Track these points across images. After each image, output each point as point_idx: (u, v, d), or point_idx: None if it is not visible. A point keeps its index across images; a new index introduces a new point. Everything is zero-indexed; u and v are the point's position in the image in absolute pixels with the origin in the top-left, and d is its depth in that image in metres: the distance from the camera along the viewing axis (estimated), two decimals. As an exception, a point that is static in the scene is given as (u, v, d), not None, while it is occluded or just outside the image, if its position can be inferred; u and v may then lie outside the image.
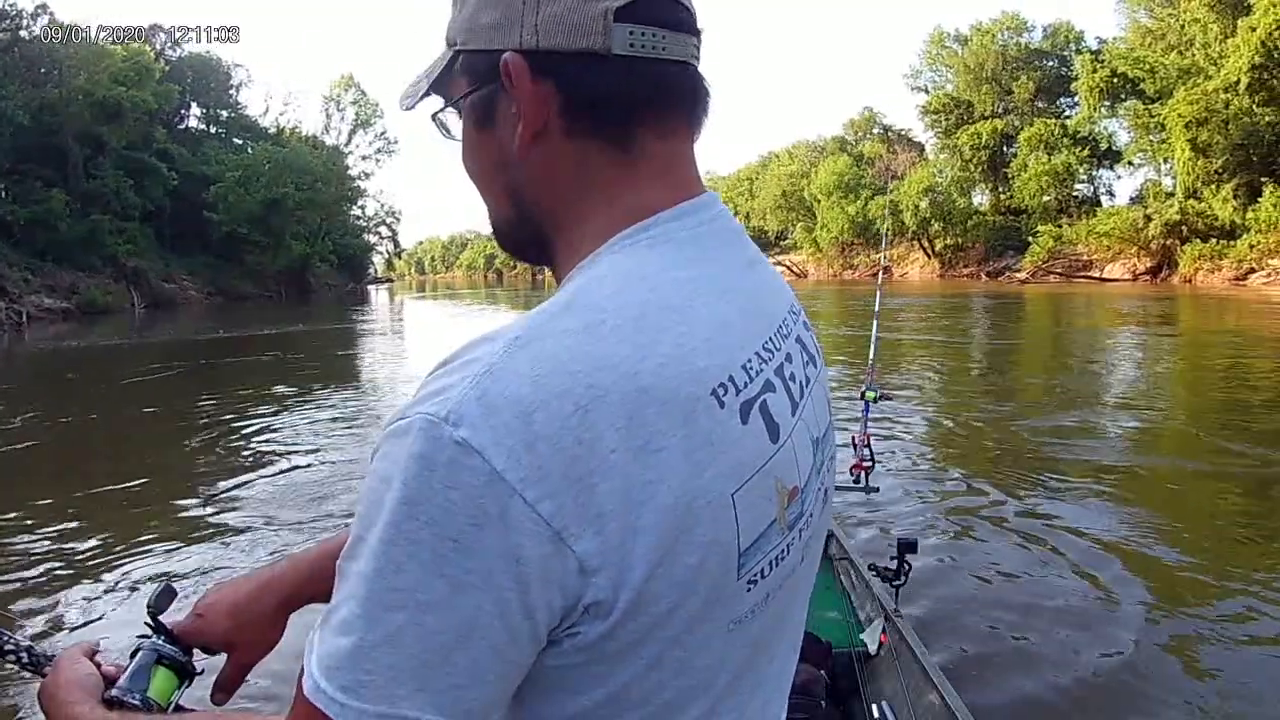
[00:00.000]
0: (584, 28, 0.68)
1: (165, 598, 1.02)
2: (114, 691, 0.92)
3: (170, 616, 1.01)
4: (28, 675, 1.03)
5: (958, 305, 31.40)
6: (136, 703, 0.92)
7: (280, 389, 14.06)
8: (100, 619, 4.97)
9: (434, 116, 0.80)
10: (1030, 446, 8.70)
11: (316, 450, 9.38)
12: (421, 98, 0.79)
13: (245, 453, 9.37)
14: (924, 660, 3.00)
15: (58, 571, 5.69)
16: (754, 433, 0.68)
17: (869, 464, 4.12)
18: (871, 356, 4.53)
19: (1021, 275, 50.11)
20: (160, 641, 0.98)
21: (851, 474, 4.17)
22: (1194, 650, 4.19)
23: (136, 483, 8.14)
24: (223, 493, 7.63)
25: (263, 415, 11.56)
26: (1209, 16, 41.44)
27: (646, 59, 0.69)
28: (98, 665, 0.94)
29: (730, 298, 0.72)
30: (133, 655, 0.97)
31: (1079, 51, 53.63)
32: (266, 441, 9.91)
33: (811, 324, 0.86)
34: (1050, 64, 58.35)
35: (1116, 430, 9.71)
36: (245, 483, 7.97)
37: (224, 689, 1.02)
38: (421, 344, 25.17)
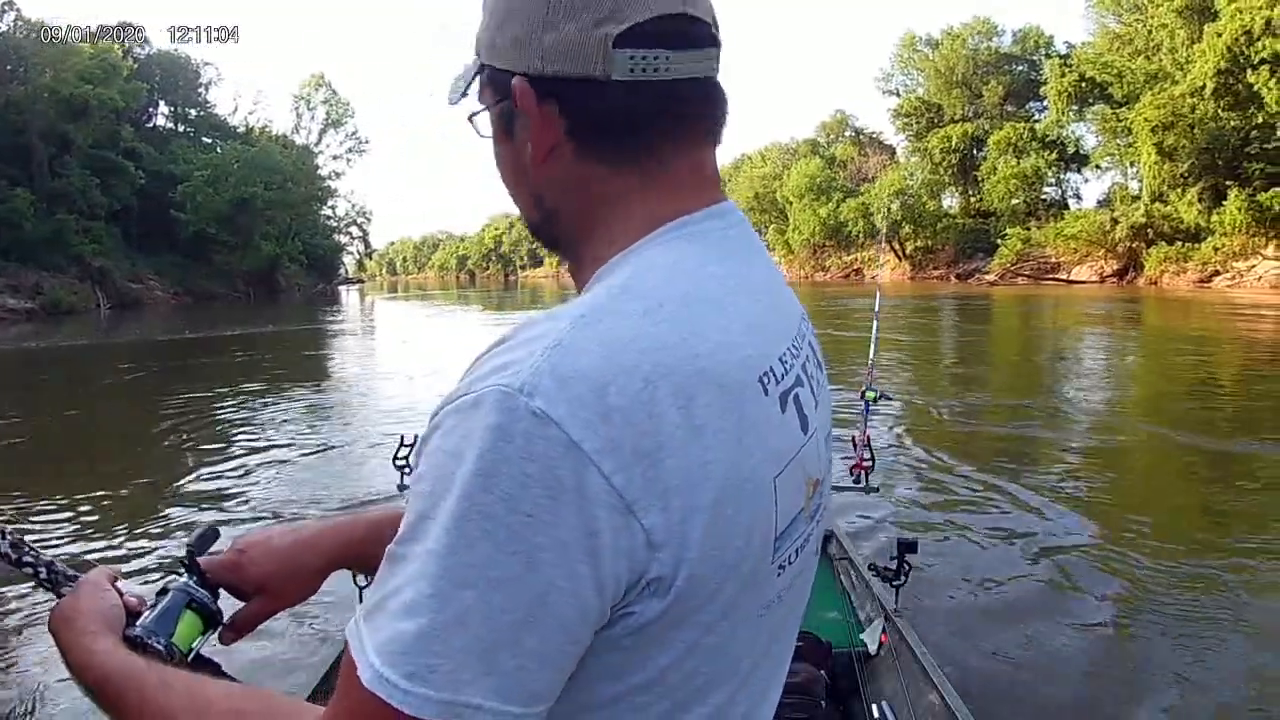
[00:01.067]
0: (585, 55, 0.69)
1: (208, 539, 0.97)
2: (137, 630, 0.86)
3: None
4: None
5: (933, 307, 31.65)
6: (160, 647, 0.86)
7: (253, 388, 14.01)
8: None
9: (470, 118, 0.81)
10: (1025, 444, 8.83)
11: (296, 444, 9.43)
12: (460, 97, 0.80)
13: (227, 446, 9.37)
14: (924, 660, 3.00)
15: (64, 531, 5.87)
16: (790, 422, 0.71)
17: (869, 464, 4.11)
18: (871, 357, 4.53)
19: (990, 277, 50.55)
20: (193, 583, 0.93)
21: (851, 474, 4.17)
22: (1190, 644, 4.22)
23: (131, 470, 8.28)
24: (209, 480, 7.79)
25: (239, 412, 11.52)
26: (1176, 22, 41.94)
27: (649, 81, 0.70)
28: (119, 593, 0.90)
29: (757, 297, 0.74)
30: (160, 593, 0.92)
31: (1048, 56, 54.17)
32: (247, 436, 9.91)
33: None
34: (1020, 68, 58.95)
35: (1103, 426, 9.86)
36: (228, 472, 8.05)
37: (237, 630, 0.97)
38: (395, 345, 25.02)
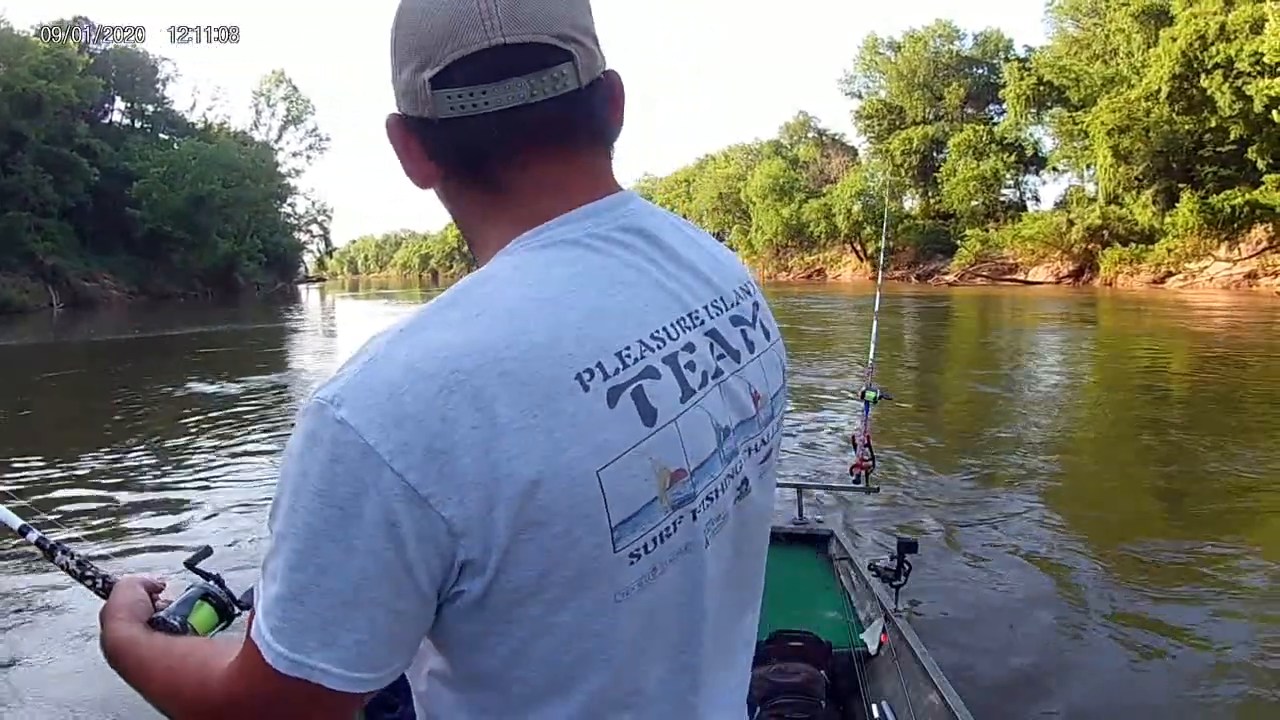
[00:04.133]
0: (415, 97, 0.77)
1: (203, 554, 1.24)
2: (159, 613, 1.04)
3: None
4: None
5: (897, 307, 31.83)
6: (175, 623, 1.04)
7: (210, 387, 13.78)
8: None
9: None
10: (1024, 443, 8.85)
11: (256, 446, 9.27)
12: None
13: (183, 447, 9.16)
14: (924, 660, 2.99)
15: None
16: (622, 416, 0.72)
17: (869, 464, 4.11)
18: (871, 357, 4.51)
19: (950, 278, 51.00)
20: (210, 584, 1.14)
21: (852, 474, 4.16)
22: (1189, 641, 4.25)
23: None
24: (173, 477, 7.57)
25: (197, 413, 11.24)
26: (1133, 26, 42.60)
27: (473, 115, 0.75)
28: (153, 597, 1.06)
29: (615, 290, 0.77)
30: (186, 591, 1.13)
31: (1008, 59, 54.84)
32: (203, 436, 9.74)
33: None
34: (980, 71, 59.51)
35: (1100, 425, 10.06)
36: (192, 469, 7.86)
37: None
38: (352, 343, 24.73)
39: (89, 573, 1.24)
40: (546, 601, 0.71)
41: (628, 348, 0.75)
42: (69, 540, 1.36)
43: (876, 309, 4.79)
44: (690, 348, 0.80)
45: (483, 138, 0.77)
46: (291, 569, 0.67)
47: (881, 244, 5.84)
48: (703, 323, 0.83)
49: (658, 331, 0.78)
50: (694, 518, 0.78)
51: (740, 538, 0.85)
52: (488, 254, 0.80)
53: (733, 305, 0.88)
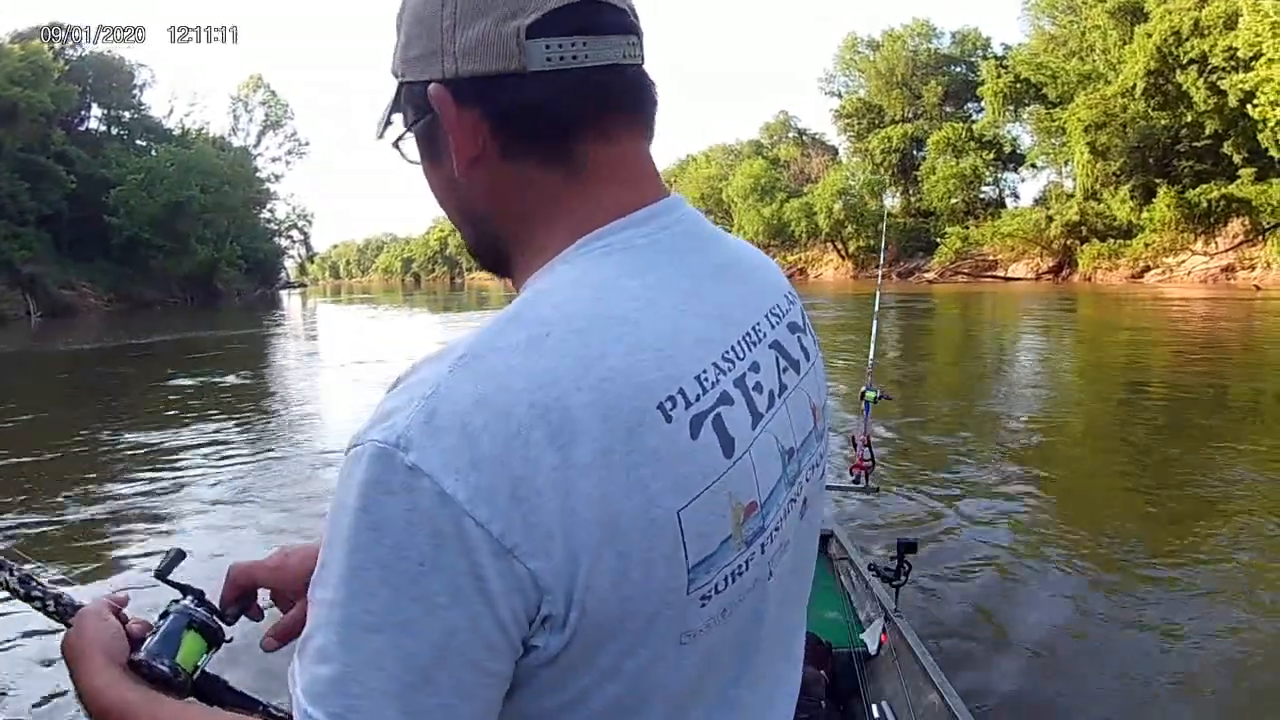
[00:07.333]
0: (498, 50, 0.68)
1: (174, 560, 0.99)
2: (141, 654, 0.88)
3: (183, 576, 0.98)
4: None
5: (883, 306, 31.70)
6: (165, 669, 0.88)
7: (194, 396, 13.68)
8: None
9: (395, 144, 0.80)
10: (1024, 442, 8.89)
11: (241, 456, 9.19)
12: (385, 127, 0.79)
13: (166, 460, 9.01)
14: (924, 660, 3.02)
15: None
16: (705, 447, 0.66)
17: (869, 464, 4.11)
18: (871, 357, 4.50)
19: (930, 276, 51.33)
20: (191, 604, 0.94)
21: (851, 474, 4.16)
22: (1187, 641, 4.27)
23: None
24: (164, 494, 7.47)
25: (180, 424, 11.10)
26: (1109, 23, 43.02)
27: (569, 70, 0.68)
28: (123, 620, 0.91)
29: (688, 305, 0.71)
30: (161, 616, 0.93)
31: (985, 57, 55.24)
32: (184, 448, 9.55)
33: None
34: (958, 69, 59.95)
35: (1099, 424, 10.07)
36: (177, 483, 7.78)
37: (280, 637, 0.96)
38: (338, 348, 24.68)
39: (36, 592, 1.01)
40: (616, 651, 0.65)
41: (705, 371, 0.68)
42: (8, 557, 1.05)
43: (876, 309, 4.74)
44: (755, 367, 0.74)
45: (572, 97, 0.69)
46: (365, 632, 0.59)
47: (882, 243, 5.89)
48: (764, 336, 0.77)
49: (728, 352, 0.72)
50: (762, 550, 0.72)
51: (796, 559, 0.80)
52: (537, 256, 0.73)
53: (786, 312, 0.83)
